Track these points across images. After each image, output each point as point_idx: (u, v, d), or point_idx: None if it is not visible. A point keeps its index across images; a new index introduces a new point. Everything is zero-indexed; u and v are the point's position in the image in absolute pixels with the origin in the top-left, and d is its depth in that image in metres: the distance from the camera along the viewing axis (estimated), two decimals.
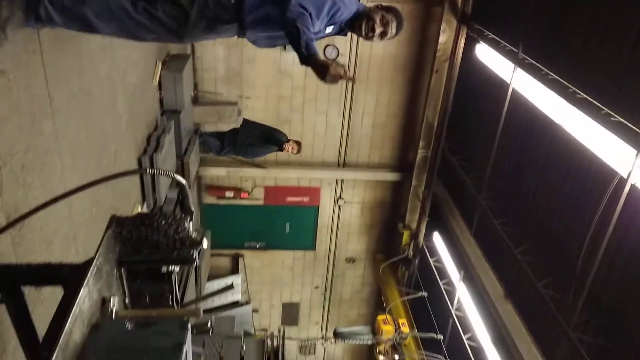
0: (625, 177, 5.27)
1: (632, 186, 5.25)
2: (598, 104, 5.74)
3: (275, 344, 7.48)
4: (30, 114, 3.68)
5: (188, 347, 2.58)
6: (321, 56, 3.40)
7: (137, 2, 3.28)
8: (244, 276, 11.89)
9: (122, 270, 2.59)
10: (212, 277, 11.15)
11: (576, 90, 6.13)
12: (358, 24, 3.58)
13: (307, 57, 3.23)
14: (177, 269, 3.06)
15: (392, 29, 3.60)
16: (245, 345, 7.34)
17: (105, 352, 2.35)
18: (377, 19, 3.54)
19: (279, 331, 7.61)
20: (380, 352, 9.63)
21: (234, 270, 11.95)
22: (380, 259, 11.96)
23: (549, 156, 7.23)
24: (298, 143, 9.15)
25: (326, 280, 12.66)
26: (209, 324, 6.19)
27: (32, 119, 3.71)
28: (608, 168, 5.65)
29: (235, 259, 11.86)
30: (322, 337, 11.98)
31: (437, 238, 10.65)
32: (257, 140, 8.97)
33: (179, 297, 3.14)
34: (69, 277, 2.39)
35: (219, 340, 7.35)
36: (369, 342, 9.54)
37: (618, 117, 5.45)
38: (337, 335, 9.59)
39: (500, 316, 7.84)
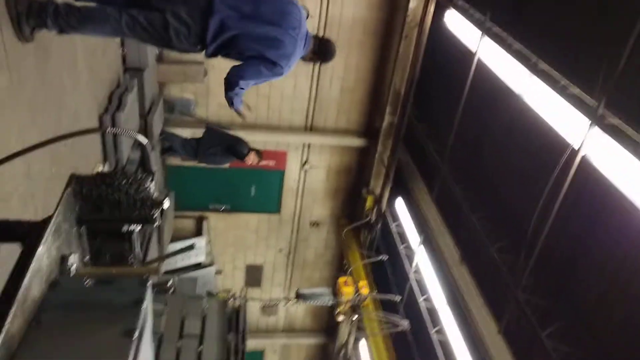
0: (577, 148, 5.49)
1: (583, 157, 5.49)
2: (557, 75, 5.90)
3: (237, 304, 7.59)
4: None
5: (148, 304, 2.64)
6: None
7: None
8: (208, 238, 11.92)
9: (82, 228, 2.60)
10: (175, 238, 11.15)
11: (538, 60, 6.28)
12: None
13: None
14: (138, 228, 3.08)
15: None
16: (208, 306, 7.42)
17: (63, 308, 2.39)
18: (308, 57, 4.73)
19: (241, 292, 7.73)
20: (340, 313, 9.94)
21: (198, 233, 11.96)
22: (343, 224, 12.19)
23: (508, 126, 7.43)
24: (259, 153, 9.12)
25: (290, 244, 12.83)
26: (170, 282, 6.26)
27: None
28: (562, 139, 5.87)
29: (200, 221, 11.86)
30: (284, 298, 12.21)
31: (399, 203, 10.89)
32: (219, 150, 8.94)
33: (140, 256, 3.17)
34: (27, 233, 2.39)
35: (181, 300, 7.42)
36: (330, 303, 9.80)
37: (575, 88, 5.64)
38: (299, 296, 9.81)
39: (455, 279, 8.18)
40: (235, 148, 8.95)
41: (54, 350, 2.25)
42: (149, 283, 2.58)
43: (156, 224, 2.90)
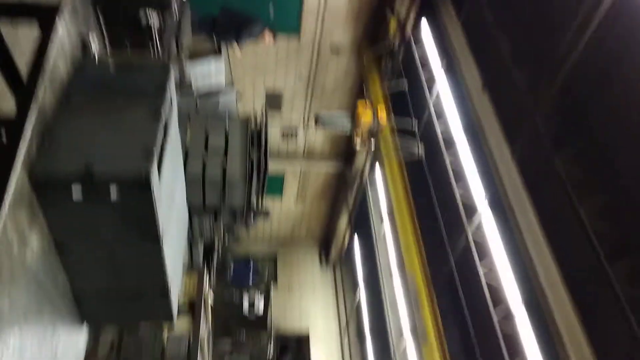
0: None
1: None
2: None
3: (258, 124, 7.74)
4: None
5: (172, 90, 2.67)
6: None
7: None
8: (226, 58, 11.72)
9: (99, 9, 2.52)
10: (194, 56, 10.98)
11: None
12: None
13: None
14: (156, 23, 2.99)
15: None
16: (230, 124, 7.59)
17: (91, 90, 2.43)
18: None
19: (262, 112, 7.81)
20: (357, 138, 10.15)
21: (217, 52, 11.73)
22: (365, 49, 11.80)
23: None
24: (273, 32, 9.30)
25: (310, 70, 12.62)
26: (192, 82, 6.33)
27: None
28: None
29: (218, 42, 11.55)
30: (303, 123, 12.42)
31: (424, 26, 10.37)
32: (236, 31, 9.16)
33: (159, 48, 3.13)
34: (44, 12, 2.34)
35: (205, 117, 7.58)
36: (348, 128, 9.96)
37: None
38: (318, 119, 9.94)
39: (474, 105, 8.11)
40: (252, 29, 9.05)
41: (86, 126, 2.36)
42: (172, 69, 2.58)
43: (171, 7, 2.81)
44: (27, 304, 2.05)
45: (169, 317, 2.86)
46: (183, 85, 8.15)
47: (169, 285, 2.63)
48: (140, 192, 2.15)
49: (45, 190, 2.09)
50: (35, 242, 2.12)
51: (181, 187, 3.17)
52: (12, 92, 2.60)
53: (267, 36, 9.13)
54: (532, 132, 6.58)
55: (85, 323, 2.80)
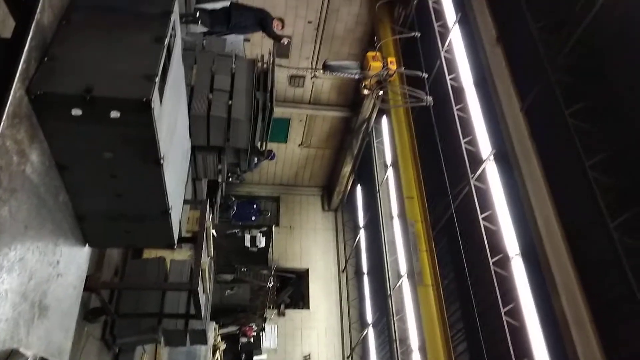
0: None
1: None
2: None
3: (265, 66, 7.65)
4: None
5: (176, 18, 2.64)
6: None
7: None
8: None
9: None
10: None
11: None
12: None
13: None
14: None
15: None
16: (236, 65, 7.50)
17: (93, 10, 2.41)
18: None
19: (270, 54, 7.71)
20: (365, 87, 10.01)
21: None
22: None
23: None
24: (282, 20, 9.56)
25: (320, 15, 12.34)
26: (197, 14, 6.21)
27: None
28: None
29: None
30: (311, 68, 12.26)
31: None
32: (249, 24, 9.39)
33: None
34: None
35: (211, 56, 7.49)
36: (356, 76, 9.81)
37: None
38: (326, 67, 9.79)
39: (487, 58, 7.97)
40: (264, 21, 9.31)
41: (86, 46, 2.35)
42: None
43: None
44: (28, 217, 2.11)
45: (170, 242, 2.95)
46: (189, 16, 8.00)
47: (170, 209, 2.69)
48: (141, 114, 2.16)
49: (44, 107, 2.10)
50: (35, 158, 2.16)
51: (183, 119, 3.18)
52: (11, 13, 2.57)
53: (277, 24, 9.47)
54: (545, 85, 6.50)
55: (87, 245, 2.89)
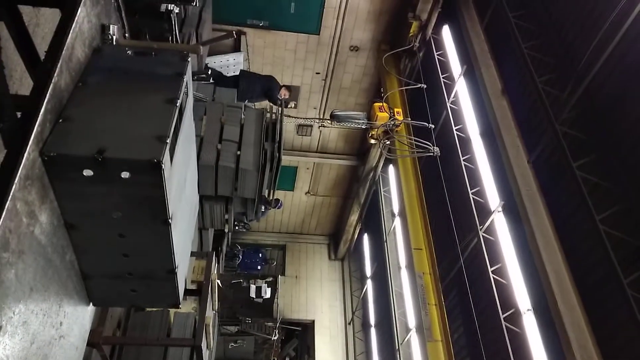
0: None
1: None
2: None
3: (274, 117, 7.76)
4: None
5: (188, 79, 2.69)
6: None
7: None
8: (245, 55, 11.78)
9: (120, 1, 2.54)
10: (213, 53, 11.06)
11: None
12: None
13: None
14: (176, 9, 3.00)
15: None
16: (245, 115, 7.62)
17: (108, 73, 2.46)
18: None
19: (280, 104, 7.84)
20: (372, 136, 10.09)
21: (237, 49, 11.80)
22: (384, 49, 11.76)
23: None
24: (289, 88, 10.06)
25: (328, 67, 12.62)
26: (209, 72, 6.37)
27: None
28: None
29: (238, 37, 11.61)
30: (319, 119, 12.42)
31: (445, 31, 10.31)
32: (255, 94, 9.82)
33: (178, 38, 3.14)
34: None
35: (220, 107, 7.62)
36: (363, 127, 9.91)
37: None
38: (333, 117, 9.90)
39: (493, 110, 8.06)
40: (271, 91, 9.81)
41: (100, 108, 2.38)
42: (189, 58, 2.60)
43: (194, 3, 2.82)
44: (33, 279, 2.08)
45: (175, 302, 2.89)
46: (200, 74, 8.18)
47: (176, 268, 2.66)
48: (151, 175, 2.17)
49: (56, 168, 2.12)
50: (44, 218, 2.15)
51: (192, 175, 3.19)
52: (28, 71, 2.64)
53: (284, 91, 9.96)
54: (551, 138, 6.52)
55: (91, 304, 2.84)
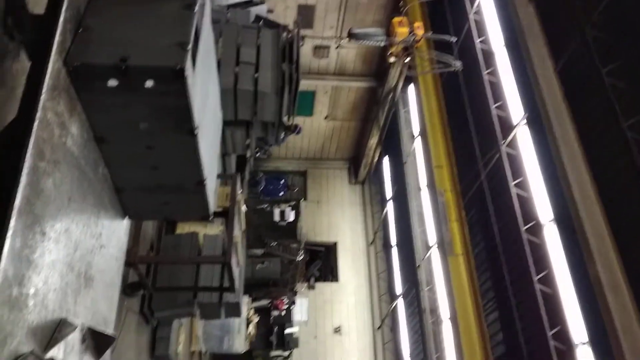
0: None
1: None
2: None
3: (290, 37, 7.55)
4: None
5: None
6: None
7: None
8: None
9: None
10: None
11: None
12: None
13: None
14: None
15: None
16: (261, 36, 7.43)
17: None
18: None
19: (295, 25, 7.59)
20: (392, 54, 9.84)
21: None
22: None
23: None
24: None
25: None
26: None
27: None
28: None
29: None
30: (336, 37, 12.07)
31: None
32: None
33: None
34: None
35: (235, 29, 7.43)
36: (382, 44, 9.64)
37: None
38: (351, 35, 9.64)
39: (519, 18, 7.71)
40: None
41: (119, 16, 2.33)
42: None
43: None
44: (70, 189, 2.14)
45: (206, 213, 2.97)
46: None
47: (205, 179, 2.71)
48: (175, 82, 2.15)
49: (82, 78, 2.11)
50: (75, 131, 2.18)
51: (214, 89, 3.16)
52: None
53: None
54: (580, 43, 6.26)
55: (126, 217, 2.93)
